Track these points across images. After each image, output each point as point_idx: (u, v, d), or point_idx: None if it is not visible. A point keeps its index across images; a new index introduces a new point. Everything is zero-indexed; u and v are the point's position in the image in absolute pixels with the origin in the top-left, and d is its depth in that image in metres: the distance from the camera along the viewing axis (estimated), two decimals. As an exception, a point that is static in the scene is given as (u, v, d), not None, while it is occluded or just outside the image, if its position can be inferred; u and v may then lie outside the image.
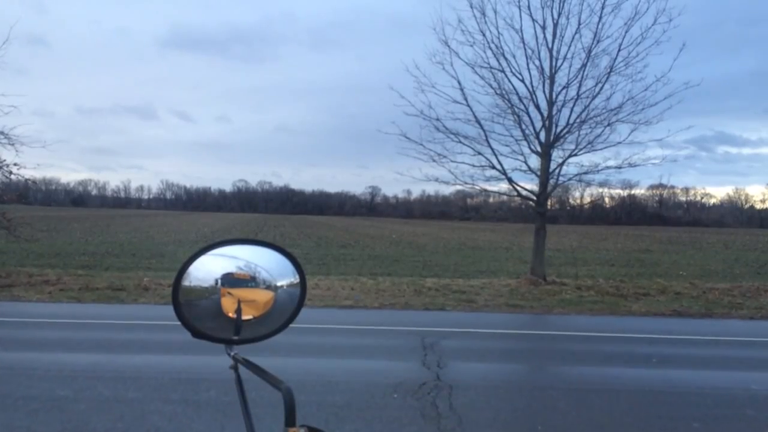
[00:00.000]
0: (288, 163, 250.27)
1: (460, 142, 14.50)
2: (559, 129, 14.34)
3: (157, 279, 13.28)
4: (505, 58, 14.07)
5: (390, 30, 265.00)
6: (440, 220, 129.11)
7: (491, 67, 14.18)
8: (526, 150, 14.69)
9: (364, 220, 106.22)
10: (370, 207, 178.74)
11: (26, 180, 14.00)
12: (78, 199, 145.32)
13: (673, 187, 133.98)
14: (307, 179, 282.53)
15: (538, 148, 14.58)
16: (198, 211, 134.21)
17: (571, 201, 42.32)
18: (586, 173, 15.02)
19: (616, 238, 51.94)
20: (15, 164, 13.74)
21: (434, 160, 14.87)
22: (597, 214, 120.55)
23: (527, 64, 14.07)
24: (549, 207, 16.53)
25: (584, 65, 13.87)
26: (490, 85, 14.34)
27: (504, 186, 15.99)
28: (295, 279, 1.30)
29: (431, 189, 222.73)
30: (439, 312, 10.83)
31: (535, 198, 15.03)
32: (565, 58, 13.98)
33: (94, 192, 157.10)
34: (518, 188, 15.33)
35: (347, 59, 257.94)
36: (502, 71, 14.14)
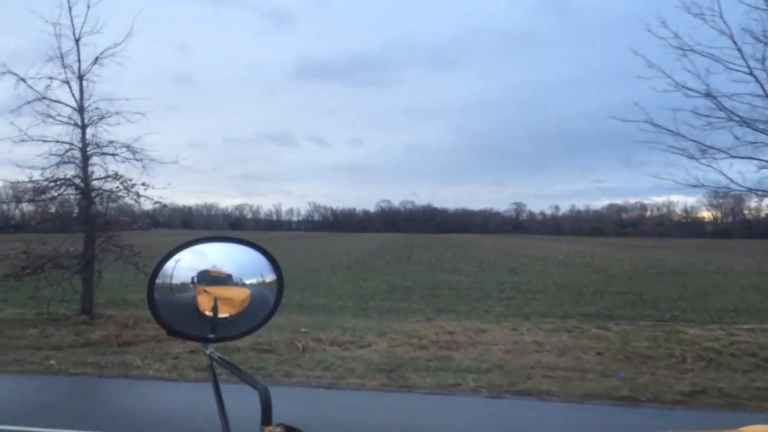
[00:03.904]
0: (424, 183, 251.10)
1: (748, 127, 9.58)
2: None
3: (314, 332, 9.82)
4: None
5: (507, 46, 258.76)
6: (593, 236, 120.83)
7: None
8: None
9: (511, 238, 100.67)
10: (515, 224, 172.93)
11: (155, 203, 11.38)
12: (235, 222, 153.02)
13: None
14: (444, 198, 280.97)
15: None
16: (344, 232, 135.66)
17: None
18: None
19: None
20: (143, 184, 11.15)
21: (693, 157, 10.07)
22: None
23: None
24: None
25: None
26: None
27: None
28: (272, 277, 1.30)
29: (581, 203, 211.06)
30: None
31: None
32: None
33: (249, 216, 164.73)
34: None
35: (468, 77, 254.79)
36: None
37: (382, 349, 8.58)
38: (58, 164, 10.72)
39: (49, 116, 10.77)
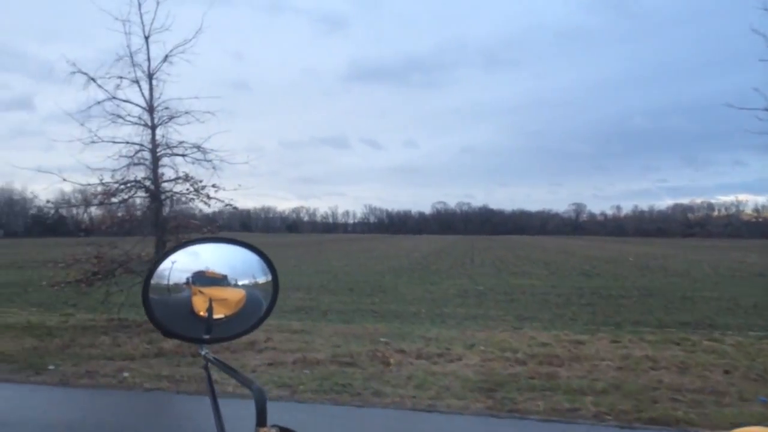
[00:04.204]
0: (479, 184, 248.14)
1: None
2: None
3: (395, 342, 9.09)
4: None
5: (561, 44, 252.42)
6: (657, 237, 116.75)
7: None
8: None
9: (572, 239, 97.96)
10: (574, 225, 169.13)
11: (226, 205, 10.89)
12: (292, 225, 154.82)
13: None
14: (500, 199, 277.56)
15: None
16: (399, 234, 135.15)
17: None
18: None
19: None
20: (213, 186, 10.70)
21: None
22: None
23: None
24: None
25: None
26: None
27: None
28: (267, 278, 1.29)
29: (643, 203, 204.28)
30: None
31: None
32: None
33: (306, 218, 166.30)
34: None
35: (522, 78, 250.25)
36: None
37: (474, 363, 7.78)
38: (128, 166, 10.41)
39: (119, 117, 10.49)
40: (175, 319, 1.21)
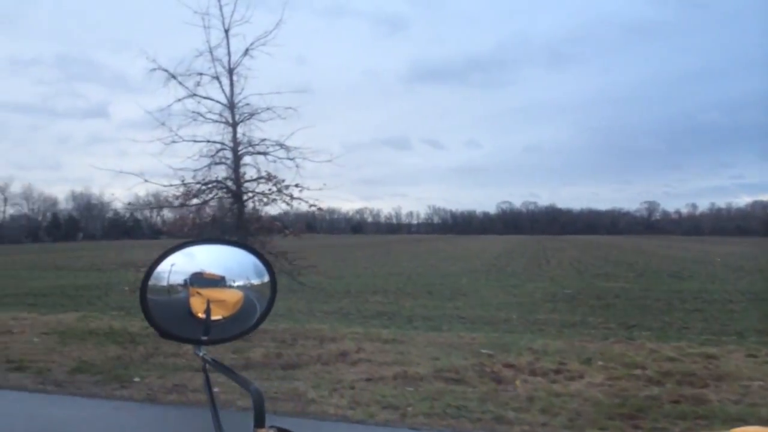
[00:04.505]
0: (544, 183, 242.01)
1: None
2: None
3: (498, 354, 8.20)
4: None
5: (628, 38, 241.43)
6: (737, 236, 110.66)
7: None
8: None
9: (646, 239, 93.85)
10: (647, 224, 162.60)
11: (310, 206, 10.25)
12: (356, 226, 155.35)
13: None
14: (566, 198, 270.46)
15: None
16: (464, 234, 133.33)
17: None
18: None
19: None
20: (296, 185, 10.10)
21: None
22: None
23: None
24: None
25: None
26: None
27: None
28: (265, 279, 1.29)
29: (720, 201, 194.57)
30: None
31: None
32: None
33: (370, 219, 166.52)
34: None
35: (587, 74, 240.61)
36: None
37: (600, 382, 6.80)
38: (209, 165, 9.94)
39: (199, 115, 10.04)
40: (172, 320, 1.21)
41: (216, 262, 1.24)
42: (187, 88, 9.86)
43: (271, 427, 0.95)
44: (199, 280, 1.21)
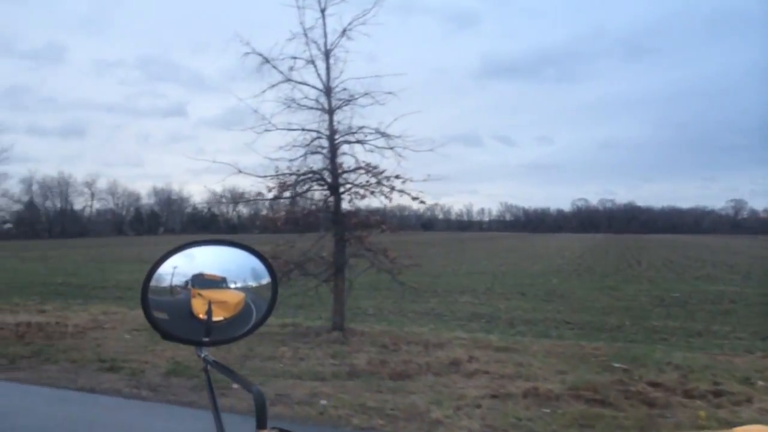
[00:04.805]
0: (620, 180, 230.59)
1: None
2: None
3: (634, 369, 7.12)
4: None
5: (710, 29, 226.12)
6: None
7: None
8: None
9: (735, 239, 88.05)
10: (733, 223, 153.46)
11: (413, 198, 9.39)
12: (427, 223, 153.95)
13: None
14: (644, 195, 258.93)
15: None
16: (537, 232, 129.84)
17: None
18: None
19: None
20: (396, 176, 9.30)
21: None
22: None
23: None
24: None
25: None
26: None
27: None
28: (266, 280, 1.28)
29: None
30: None
31: None
32: None
33: (440, 216, 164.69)
34: None
35: (666, 67, 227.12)
36: None
37: (777, 409, 5.66)
38: (304, 156, 9.29)
39: (293, 101, 9.39)
40: (174, 321, 1.21)
41: (217, 263, 1.24)
42: (281, 72, 9.25)
43: (273, 428, 0.93)
44: (201, 281, 1.21)
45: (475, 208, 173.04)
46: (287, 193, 9.59)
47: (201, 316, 1.19)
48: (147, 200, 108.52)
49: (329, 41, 9.37)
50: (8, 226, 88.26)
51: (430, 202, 9.65)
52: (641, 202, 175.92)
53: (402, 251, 9.53)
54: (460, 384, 6.58)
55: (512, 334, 10.43)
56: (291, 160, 9.13)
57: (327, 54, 9.35)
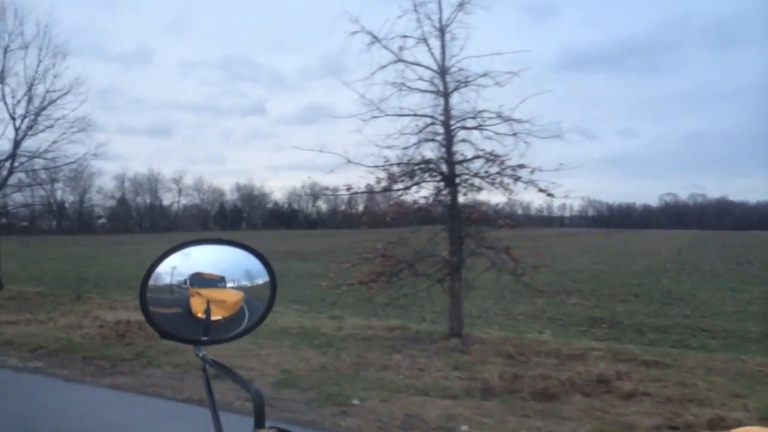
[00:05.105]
0: (710, 174, 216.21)
1: None
2: None
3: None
4: None
5: None
6: None
7: None
8: None
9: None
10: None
11: (539, 190, 8.35)
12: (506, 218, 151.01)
13: None
14: (737, 190, 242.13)
15: None
16: (622, 228, 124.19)
17: None
18: None
19: None
20: (520, 165, 8.30)
21: None
22: None
23: None
24: None
25: None
26: None
27: None
28: (264, 279, 1.26)
29: None
30: None
31: None
32: None
33: (519, 211, 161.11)
34: None
35: (760, 54, 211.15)
36: None
37: None
38: (417, 143, 8.45)
39: (404, 84, 8.57)
40: (172, 320, 1.19)
41: (216, 263, 1.22)
42: (392, 51, 8.43)
43: (271, 427, 0.93)
44: (199, 280, 1.20)
45: (556, 204, 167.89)
46: (397, 186, 8.78)
47: (199, 315, 1.18)
48: (230, 196, 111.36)
49: (444, 16, 8.48)
50: (102, 221, 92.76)
51: (560, 195, 8.50)
52: (734, 197, 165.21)
53: (526, 249, 8.53)
54: (620, 408, 5.55)
55: (646, 344, 9.25)
56: (405, 148, 8.31)
57: (442, 30, 8.47)
